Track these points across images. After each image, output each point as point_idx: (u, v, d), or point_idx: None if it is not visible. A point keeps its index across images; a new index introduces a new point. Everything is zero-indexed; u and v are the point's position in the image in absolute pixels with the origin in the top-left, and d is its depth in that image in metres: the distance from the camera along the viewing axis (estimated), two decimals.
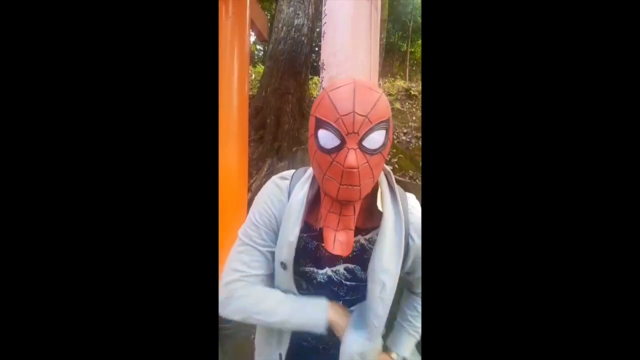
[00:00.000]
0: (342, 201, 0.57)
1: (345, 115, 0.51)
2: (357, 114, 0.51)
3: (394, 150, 3.41)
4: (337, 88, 0.53)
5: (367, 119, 0.51)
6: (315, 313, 0.62)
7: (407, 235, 0.64)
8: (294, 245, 0.62)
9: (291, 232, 0.62)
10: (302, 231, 0.64)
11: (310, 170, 0.67)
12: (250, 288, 0.65)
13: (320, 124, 0.53)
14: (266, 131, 3.33)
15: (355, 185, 0.54)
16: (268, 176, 3.05)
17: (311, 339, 0.71)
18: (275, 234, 0.66)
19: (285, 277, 0.65)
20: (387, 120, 0.54)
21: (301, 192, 0.64)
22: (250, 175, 1.99)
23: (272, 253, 0.67)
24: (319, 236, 0.65)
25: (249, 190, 2.21)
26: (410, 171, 3.26)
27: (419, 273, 0.69)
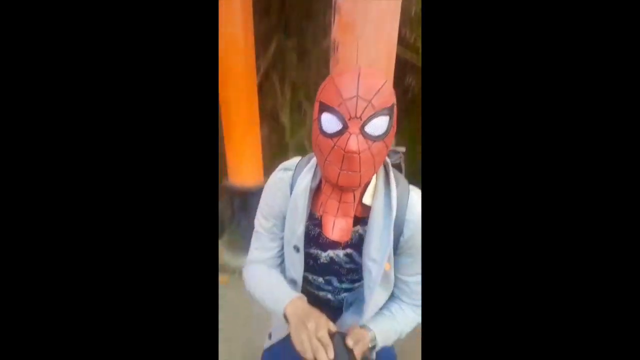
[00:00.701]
0: (342, 187, 0.58)
1: (349, 99, 0.51)
2: (361, 98, 0.51)
3: None
4: (342, 74, 0.54)
5: (370, 104, 0.51)
6: (277, 303, 0.70)
7: (400, 232, 0.66)
8: (303, 235, 0.70)
9: (299, 225, 0.70)
10: (307, 219, 0.71)
11: (313, 160, 0.70)
12: (255, 271, 0.79)
13: (324, 108, 0.54)
14: (271, 1, 2.90)
15: (356, 171, 0.55)
16: (276, 56, 2.81)
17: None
18: (282, 222, 0.74)
19: (297, 259, 0.75)
20: (391, 107, 0.54)
21: (303, 182, 0.68)
22: (257, 55, 1.82)
23: (280, 236, 0.77)
24: (321, 223, 0.69)
25: (257, 71, 2.06)
26: None
27: (409, 275, 0.71)
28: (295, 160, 0.74)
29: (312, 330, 0.59)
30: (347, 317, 0.79)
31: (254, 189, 1.99)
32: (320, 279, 0.81)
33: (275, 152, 2.67)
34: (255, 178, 2.02)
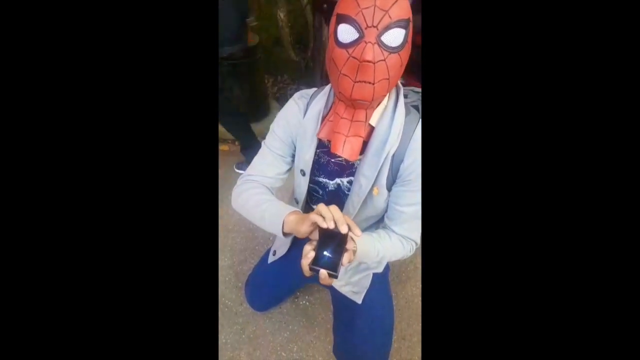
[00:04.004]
0: (355, 101, 0.58)
1: (366, 8, 0.51)
2: (378, 7, 0.51)
3: None
4: None
5: (387, 14, 0.51)
6: (274, 224, 0.68)
7: (401, 160, 0.66)
8: (311, 159, 0.73)
9: (307, 150, 0.72)
10: (317, 147, 0.73)
11: (327, 87, 0.71)
12: (247, 186, 0.77)
13: (341, 18, 0.54)
14: None
15: (370, 82, 0.55)
16: None
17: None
18: (292, 145, 0.76)
19: (303, 182, 0.78)
20: (407, 20, 0.53)
21: (315, 107, 0.70)
22: None
23: (285, 160, 0.78)
24: (329, 152, 0.72)
25: None
26: None
27: (404, 205, 0.69)
28: (312, 89, 0.76)
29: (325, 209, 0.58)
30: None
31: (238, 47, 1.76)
32: None
33: None
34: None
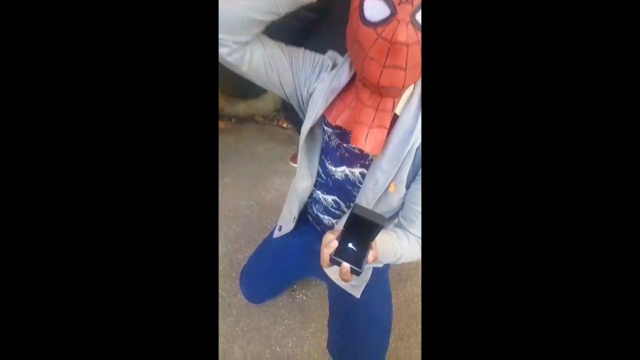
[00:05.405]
0: (383, 88, 0.51)
1: None
2: None
3: None
4: None
5: None
6: None
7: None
8: (305, 133, 0.66)
9: (307, 123, 0.65)
10: (326, 125, 0.67)
11: (341, 60, 0.64)
12: None
13: None
14: None
15: (401, 68, 0.48)
16: None
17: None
18: (288, 68, 0.63)
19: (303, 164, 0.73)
20: None
21: (326, 79, 0.63)
22: None
23: (282, 68, 0.63)
24: (342, 135, 0.65)
25: None
26: None
27: (416, 198, 0.63)
28: (341, 57, 0.66)
29: None
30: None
31: None
32: (330, 199, 0.78)
33: None
34: None
